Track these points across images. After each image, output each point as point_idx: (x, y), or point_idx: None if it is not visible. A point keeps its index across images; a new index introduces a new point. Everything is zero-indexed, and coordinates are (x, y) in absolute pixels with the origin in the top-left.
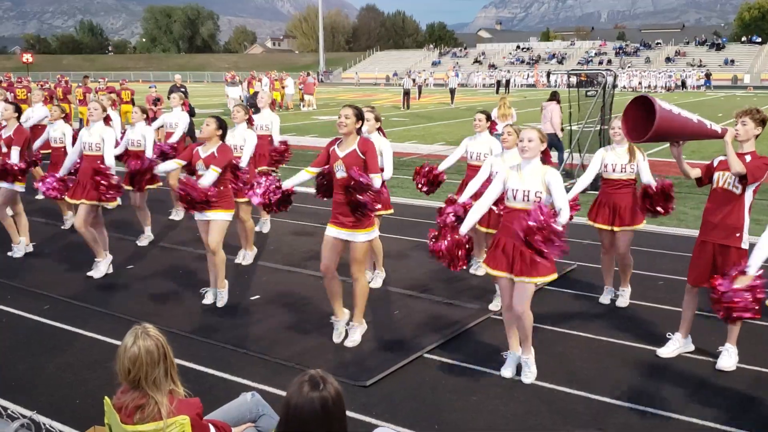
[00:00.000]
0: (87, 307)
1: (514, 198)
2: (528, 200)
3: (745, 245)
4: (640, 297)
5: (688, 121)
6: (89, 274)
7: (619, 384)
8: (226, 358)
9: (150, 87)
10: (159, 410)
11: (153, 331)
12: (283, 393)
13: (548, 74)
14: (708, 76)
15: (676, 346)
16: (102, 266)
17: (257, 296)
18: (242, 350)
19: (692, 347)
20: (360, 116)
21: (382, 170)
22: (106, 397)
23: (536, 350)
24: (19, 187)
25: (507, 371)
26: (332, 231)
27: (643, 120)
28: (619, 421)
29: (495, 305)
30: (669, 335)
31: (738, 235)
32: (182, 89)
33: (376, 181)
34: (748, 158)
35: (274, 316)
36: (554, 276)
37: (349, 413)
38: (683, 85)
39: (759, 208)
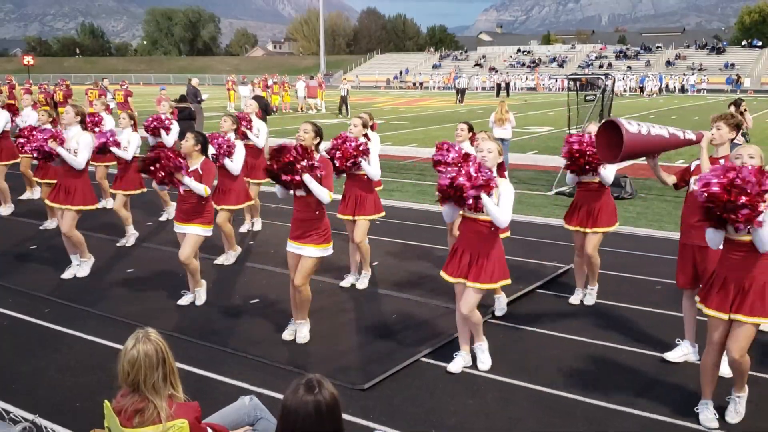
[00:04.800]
0: (87, 310)
1: (469, 207)
2: (481, 210)
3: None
4: (636, 301)
5: (658, 137)
6: (79, 275)
7: (617, 388)
8: (224, 361)
9: (160, 89)
10: (158, 414)
11: (154, 336)
12: (282, 397)
13: (572, 80)
14: (738, 77)
15: (684, 351)
16: (89, 266)
17: (256, 300)
18: (241, 353)
19: (698, 356)
20: (317, 133)
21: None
22: (105, 401)
23: (531, 353)
24: None
25: (454, 366)
26: (290, 246)
27: (615, 142)
28: (616, 425)
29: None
30: (678, 341)
31: None
32: (195, 93)
33: (324, 196)
34: (722, 162)
35: (272, 319)
36: (507, 281)
37: (346, 417)
38: (682, 89)
39: None
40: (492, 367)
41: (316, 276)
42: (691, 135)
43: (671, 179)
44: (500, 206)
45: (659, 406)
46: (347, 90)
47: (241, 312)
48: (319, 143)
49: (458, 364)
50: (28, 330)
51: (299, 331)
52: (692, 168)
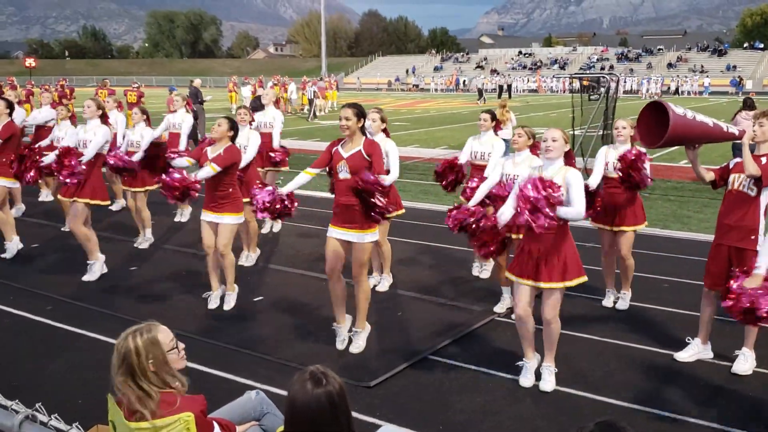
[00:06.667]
0: (89, 308)
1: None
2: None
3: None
4: (644, 299)
5: (703, 124)
6: (84, 278)
7: (626, 386)
8: (229, 358)
9: (170, 89)
10: (163, 407)
11: (155, 328)
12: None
13: (577, 78)
14: (741, 79)
15: (695, 351)
16: (96, 268)
17: (260, 297)
18: (246, 351)
19: (711, 354)
20: (361, 114)
21: (387, 172)
22: (109, 394)
23: (539, 351)
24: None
25: (526, 380)
26: (334, 232)
27: (656, 125)
28: (627, 423)
29: (500, 307)
30: (688, 339)
31: (753, 237)
32: (196, 94)
33: (385, 180)
34: (764, 160)
35: (277, 317)
36: (583, 279)
37: (353, 414)
38: (677, 91)
39: None
40: (499, 365)
41: (319, 274)
42: (733, 129)
43: (710, 176)
44: (574, 198)
45: (672, 404)
46: (314, 92)
47: (245, 310)
48: (362, 126)
49: (528, 375)
50: (30, 328)
51: (356, 339)
52: (731, 166)
